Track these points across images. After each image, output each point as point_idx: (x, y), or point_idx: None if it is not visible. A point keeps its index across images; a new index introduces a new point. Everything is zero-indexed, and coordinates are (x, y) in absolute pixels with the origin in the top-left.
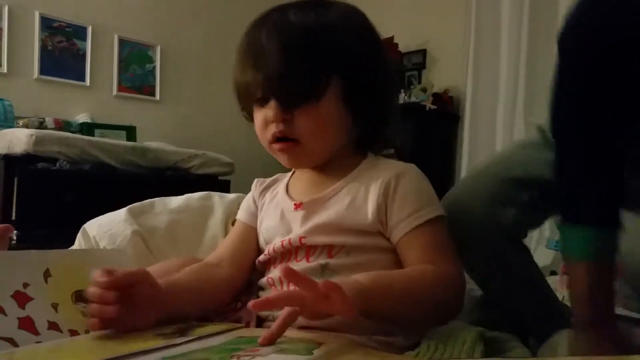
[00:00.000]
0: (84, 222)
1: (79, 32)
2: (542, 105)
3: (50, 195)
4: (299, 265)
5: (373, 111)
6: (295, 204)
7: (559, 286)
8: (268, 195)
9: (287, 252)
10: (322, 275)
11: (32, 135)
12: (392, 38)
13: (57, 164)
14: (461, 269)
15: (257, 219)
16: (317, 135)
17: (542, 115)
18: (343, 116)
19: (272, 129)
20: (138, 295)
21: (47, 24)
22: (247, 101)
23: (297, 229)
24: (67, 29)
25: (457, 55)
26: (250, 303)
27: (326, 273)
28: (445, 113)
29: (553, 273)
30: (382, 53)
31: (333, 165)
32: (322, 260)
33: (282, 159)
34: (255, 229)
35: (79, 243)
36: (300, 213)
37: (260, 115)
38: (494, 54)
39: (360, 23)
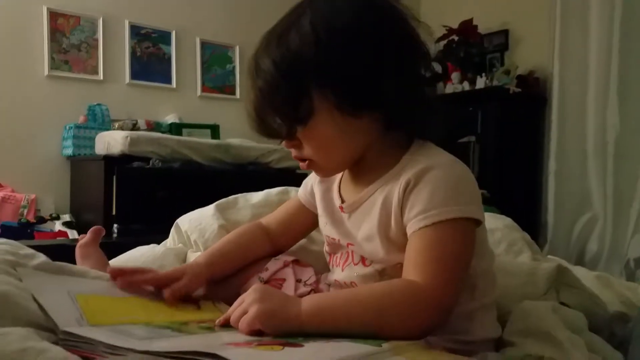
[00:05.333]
0: (176, 216)
1: (164, 37)
2: (638, 85)
3: (145, 192)
4: (357, 269)
5: (388, 104)
6: (340, 206)
7: None
8: (324, 185)
9: (344, 251)
10: (381, 279)
11: (127, 136)
12: (471, 20)
13: (150, 163)
14: (452, 286)
15: (312, 202)
16: (322, 153)
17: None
18: (346, 124)
19: (292, 152)
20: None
21: (135, 31)
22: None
23: (345, 232)
24: (154, 35)
25: (543, 34)
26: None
27: (384, 278)
28: (531, 96)
29: None
30: (389, 35)
31: (369, 163)
32: (378, 266)
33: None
34: (307, 210)
35: (172, 236)
36: (345, 215)
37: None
38: (583, 30)
39: (351, 15)
